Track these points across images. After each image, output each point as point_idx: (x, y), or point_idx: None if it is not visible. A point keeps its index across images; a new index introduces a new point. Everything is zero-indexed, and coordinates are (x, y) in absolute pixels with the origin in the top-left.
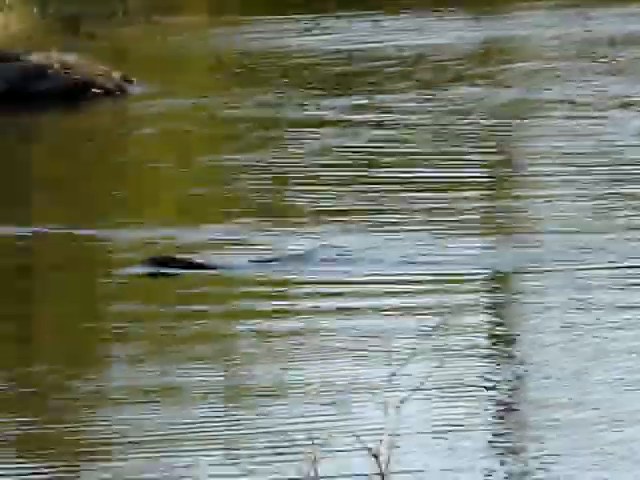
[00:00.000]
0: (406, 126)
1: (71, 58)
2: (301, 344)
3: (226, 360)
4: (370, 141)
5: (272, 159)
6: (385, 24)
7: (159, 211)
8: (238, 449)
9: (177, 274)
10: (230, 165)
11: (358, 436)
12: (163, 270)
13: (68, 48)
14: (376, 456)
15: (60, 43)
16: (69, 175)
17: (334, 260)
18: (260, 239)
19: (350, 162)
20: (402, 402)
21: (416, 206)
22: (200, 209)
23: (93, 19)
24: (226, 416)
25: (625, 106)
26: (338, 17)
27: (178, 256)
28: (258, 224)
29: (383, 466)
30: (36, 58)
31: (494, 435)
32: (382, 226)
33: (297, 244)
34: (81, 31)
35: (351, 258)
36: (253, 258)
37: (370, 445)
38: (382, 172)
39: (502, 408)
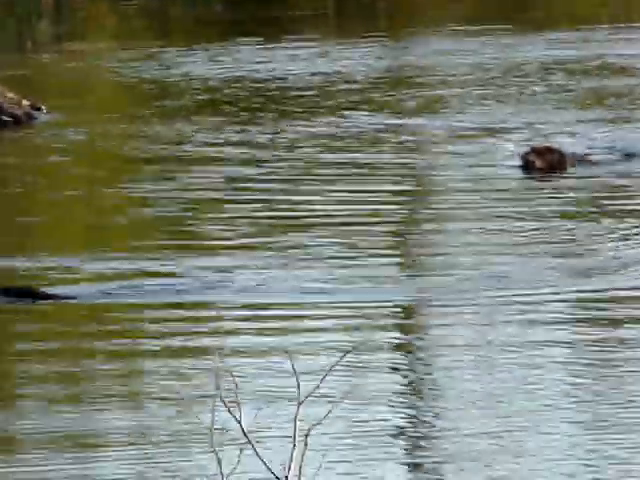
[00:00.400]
0: (312, 160)
1: None
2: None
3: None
4: (273, 173)
5: (173, 190)
6: (292, 52)
7: (45, 241)
8: None
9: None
10: (126, 196)
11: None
12: (8, 300)
13: None
14: None
15: None
16: None
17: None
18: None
19: (252, 193)
20: (307, 434)
21: (324, 238)
22: (90, 239)
23: (1, 47)
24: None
25: (502, 134)
26: (244, 45)
27: (20, 285)
28: (150, 253)
29: None
30: None
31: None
32: (284, 257)
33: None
34: None
35: (248, 288)
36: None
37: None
38: (288, 205)
39: (411, 441)
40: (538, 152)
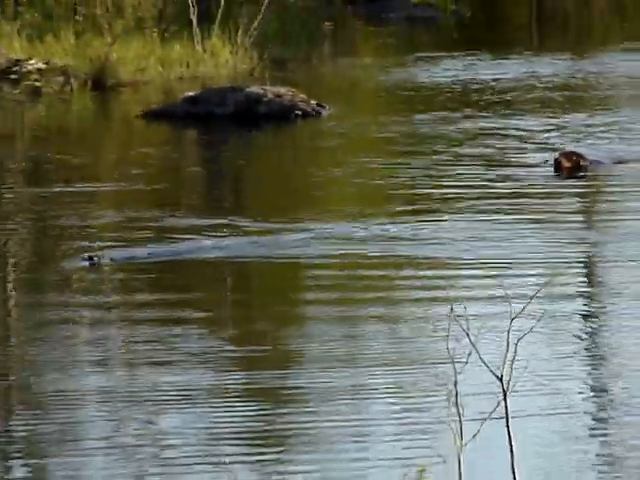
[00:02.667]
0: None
1: (280, 89)
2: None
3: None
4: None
5: (421, 166)
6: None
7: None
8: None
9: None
10: (387, 170)
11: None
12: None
13: (278, 82)
14: (501, 379)
15: (273, 78)
16: (262, 179)
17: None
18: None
19: (483, 169)
20: (519, 340)
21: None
22: (358, 205)
23: (295, 61)
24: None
25: None
26: (471, 56)
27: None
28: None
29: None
30: (256, 89)
31: (594, 382)
32: (500, 222)
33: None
34: (287, 69)
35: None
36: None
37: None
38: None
39: (605, 355)
40: None
